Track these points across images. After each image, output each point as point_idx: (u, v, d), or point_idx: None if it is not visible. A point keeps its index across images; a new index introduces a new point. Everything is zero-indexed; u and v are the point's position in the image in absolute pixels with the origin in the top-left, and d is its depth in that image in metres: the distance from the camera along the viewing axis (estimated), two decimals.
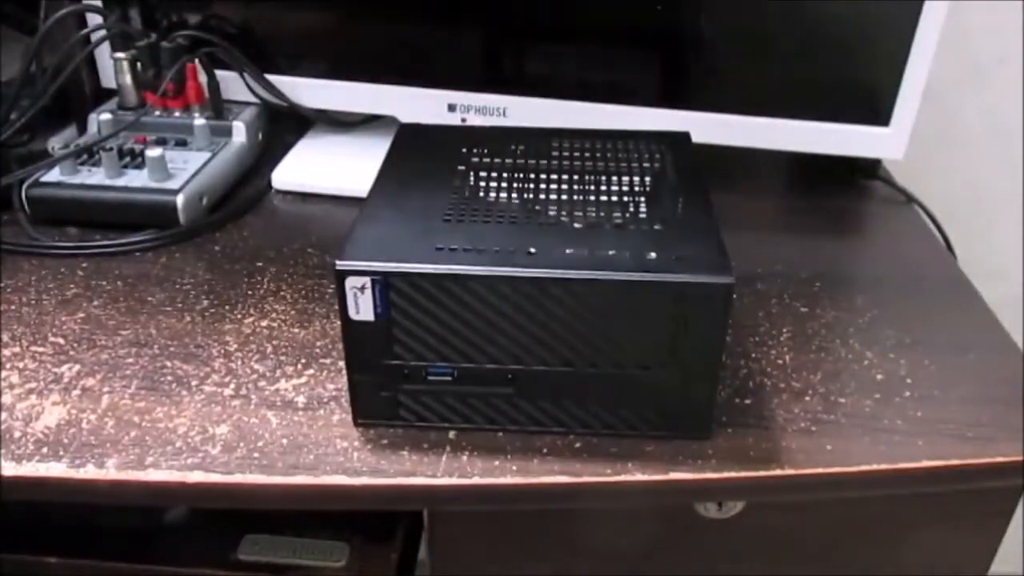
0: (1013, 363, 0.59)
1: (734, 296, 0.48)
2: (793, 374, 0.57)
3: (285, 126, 0.85)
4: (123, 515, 0.62)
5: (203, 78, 0.78)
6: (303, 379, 0.55)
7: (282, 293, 0.63)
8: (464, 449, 0.50)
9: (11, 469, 0.48)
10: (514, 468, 0.49)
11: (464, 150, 0.59)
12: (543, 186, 0.54)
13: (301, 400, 0.54)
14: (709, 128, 0.74)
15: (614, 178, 0.56)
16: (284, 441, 0.50)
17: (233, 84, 0.79)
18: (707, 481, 0.49)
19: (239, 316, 0.61)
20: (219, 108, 0.78)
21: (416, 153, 0.59)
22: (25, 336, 0.58)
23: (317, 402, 0.53)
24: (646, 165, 0.57)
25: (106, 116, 0.74)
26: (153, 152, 0.69)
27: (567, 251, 0.47)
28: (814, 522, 0.58)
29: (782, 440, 0.52)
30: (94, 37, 0.75)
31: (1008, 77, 1.00)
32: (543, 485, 0.49)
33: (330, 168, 0.80)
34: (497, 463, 0.49)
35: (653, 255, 0.47)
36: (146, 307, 0.61)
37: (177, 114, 0.78)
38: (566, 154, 0.58)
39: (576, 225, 0.50)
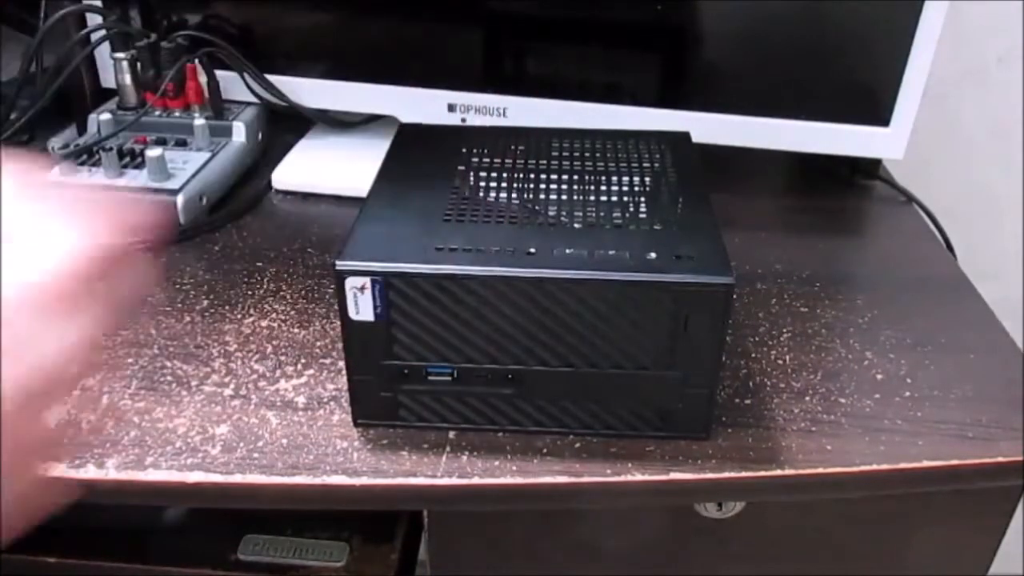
0: (1013, 363, 0.59)
1: (734, 296, 0.48)
2: (793, 374, 0.57)
3: (285, 126, 0.85)
4: (123, 515, 0.62)
5: (203, 78, 0.78)
6: (303, 379, 0.55)
7: (282, 293, 0.63)
8: (464, 449, 0.50)
9: None
10: (514, 468, 0.49)
11: (464, 150, 0.59)
12: (543, 186, 0.54)
13: (301, 400, 0.54)
14: (709, 128, 0.74)
15: (614, 178, 0.56)
16: (284, 441, 0.50)
17: (233, 84, 0.79)
18: (707, 481, 0.49)
19: (239, 316, 0.61)
20: (219, 108, 0.78)
21: (416, 153, 0.59)
22: None
23: (317, 402, 0.53)
24: (646, 165, 0.57)
25: (106, 116, 0.74)
26: (153, 152, 0.69)
27: (567, 251, 0.47)
28: (814, 522, 0.58)
29: (782, 440, 0.52)
30: (94, 37, 0.75)
31: (1008, 77, 1.00)
32: (543, 485, 0.49)
33: (330, 168, 0.80)
34: (497, 463, 0.49)
35: (653, 255, 0.47)
36: (146, 307, 0.61)
37: (177, 114, 0.78)
38: (566, 154, 0.58)
39: (576, 225, 0.50)
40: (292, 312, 0.61)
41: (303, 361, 0.57)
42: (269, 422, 0.52)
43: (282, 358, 0.57)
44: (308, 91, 0.80)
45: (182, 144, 0.75)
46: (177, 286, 0.64)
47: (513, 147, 0.59)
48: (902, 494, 0.56)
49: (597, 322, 0.47)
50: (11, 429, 0.27)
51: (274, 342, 0.58)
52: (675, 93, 0.75)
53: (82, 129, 0.78)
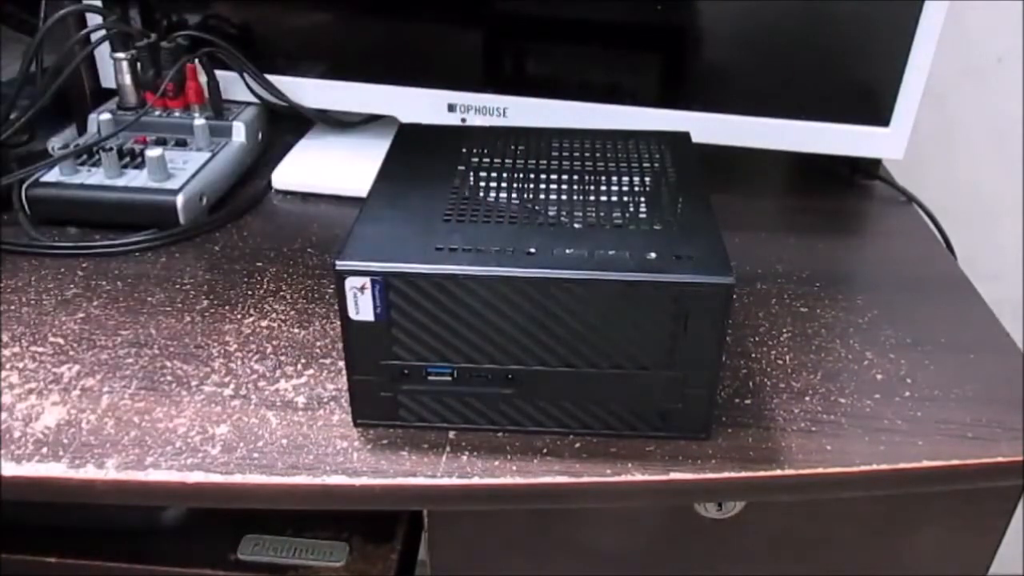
0: (1013, 363, 0.59)
1: (734, 296, 0.48)
2: (793, 374, 0.57)
3: (285, 126, 0.85)
4: (123, 515, 0.62)
5: (203, 78, 0.78)
6: (303, 379, 0.55)
7: (282, 293, 0.63)
8: (464, 449, 0.50)
9: (11, 469, 0.48)
10: (514, 468, 0.49)
11: (464, 150, 0.59)
12: (543, 186, 0.54)
13: (301, 400, 0.54)
14: (709, 128, 0.74)
15: (614, 178, 0.56)
16: (284, 441, 0.50)
17: (233, 84, 0.79)
18: (707, 481, 0.49)
19: (239, 316, 0.61)
20: (219, 108, 0.78)
21: (416, 153, 0.59)
22: (25, 336, 0.58)
23: (317, 402, 0.53)
24: (646, 165, 0.57)
25: (106, 116, 0.74)
26: (153, 152, 0.69)
27: (567, 251, 0.47)
28: (814, 522, 0.58)
29: (782, 440, 0.52)
30: (94, 37, 0.75)
31: (1007, 77, 1.00)
32: (543, 485, 0.49)
33: (330, 168, 0.80)
34: (497, 463, 0.49)
35: (653, 255, 0.47)
36: (146, 307, 0.61)
37: (177, 114, 0.78)
38: (566, 154, 0.58)
39: (576, 225, 0.50)
40: (292, 312, 0.61)
41: (303, 361, 0.57)
42: (269, 422, 0.52)
43: (282, 358, 0.57)
44: (308, 91, 0.80)
45: (182, 144, 0.75)
46: (177, 286, 0.64)
47: (513, 147, 0.59)
48: (902, 494, 0.56)
49: (597, 322, 0.47)
50: None
51: (274, 342, 0.58)
52: (675, 93, 0.75)
53: (82, 129, 0.78)
